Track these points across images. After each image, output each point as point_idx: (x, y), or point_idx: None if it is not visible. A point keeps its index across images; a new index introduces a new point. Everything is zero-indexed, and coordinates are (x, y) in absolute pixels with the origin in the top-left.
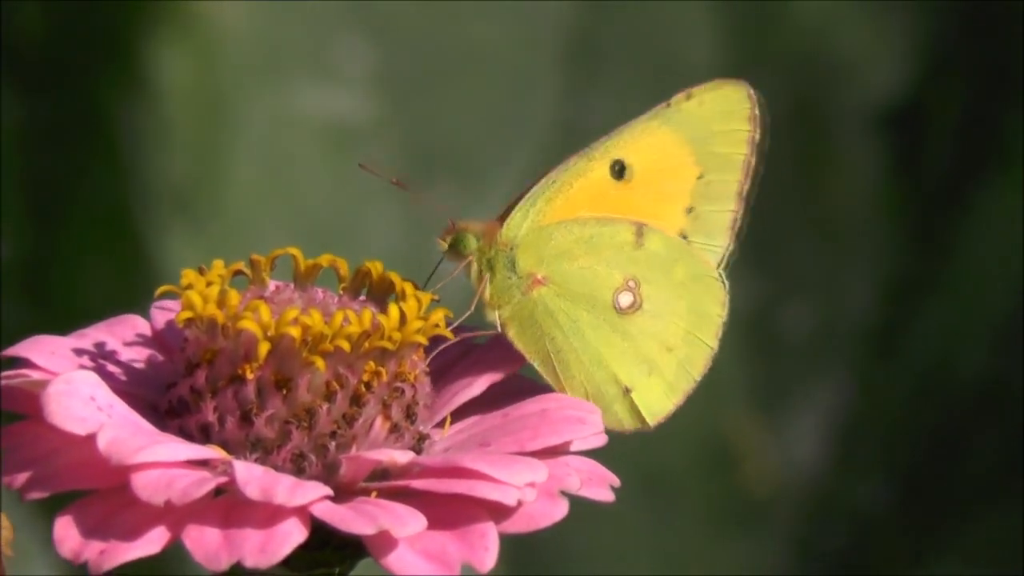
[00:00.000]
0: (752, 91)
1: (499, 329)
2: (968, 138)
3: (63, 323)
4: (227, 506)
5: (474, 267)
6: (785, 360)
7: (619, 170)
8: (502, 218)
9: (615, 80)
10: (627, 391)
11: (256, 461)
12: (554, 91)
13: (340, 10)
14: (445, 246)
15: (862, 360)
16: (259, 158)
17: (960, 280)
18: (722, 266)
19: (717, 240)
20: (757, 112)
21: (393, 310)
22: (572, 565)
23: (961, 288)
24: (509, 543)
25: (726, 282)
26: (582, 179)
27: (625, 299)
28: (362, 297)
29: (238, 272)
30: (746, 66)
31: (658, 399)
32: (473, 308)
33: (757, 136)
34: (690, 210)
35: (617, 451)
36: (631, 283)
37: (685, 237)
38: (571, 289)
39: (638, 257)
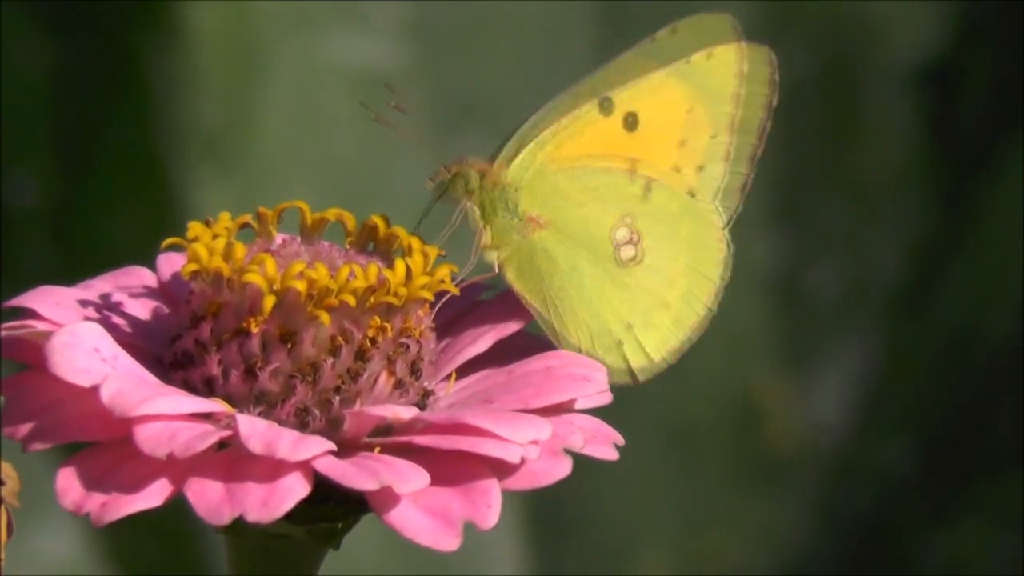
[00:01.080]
0: (772, 55)
1: (496, 270)
2: (999, 101)
3: (91, 268)
4: (230, 460)
5: (475, 207)
6: (812, 320)
7: (632, 122)
8: (493, 160)
9: (646, 36)
10: (619, 343)
11: (260, 415)
12: (585, 45)
13: None
14: (447, 176)
15: (889, 321)
16: (289, 106)
17: (988, 243)
18: (728, 226)
19: (727, 200)
20: (776, 77)
21: (399, 265)
22: (595, 521)
23: (989, 251)
24: (531, 499)
25: (731, 244)
26: (593, 127)
27: (627, 251)
28: (369, 251)
29: (245, 225)
30: (777, 26)
31: (663, 334)
32: (476, 249)
33: (774, 100)
34: (701, 168)
35: (642, 409)
36: (635, 236)
37: (693, 195)
38: (573, 236)
39: (644, 210)
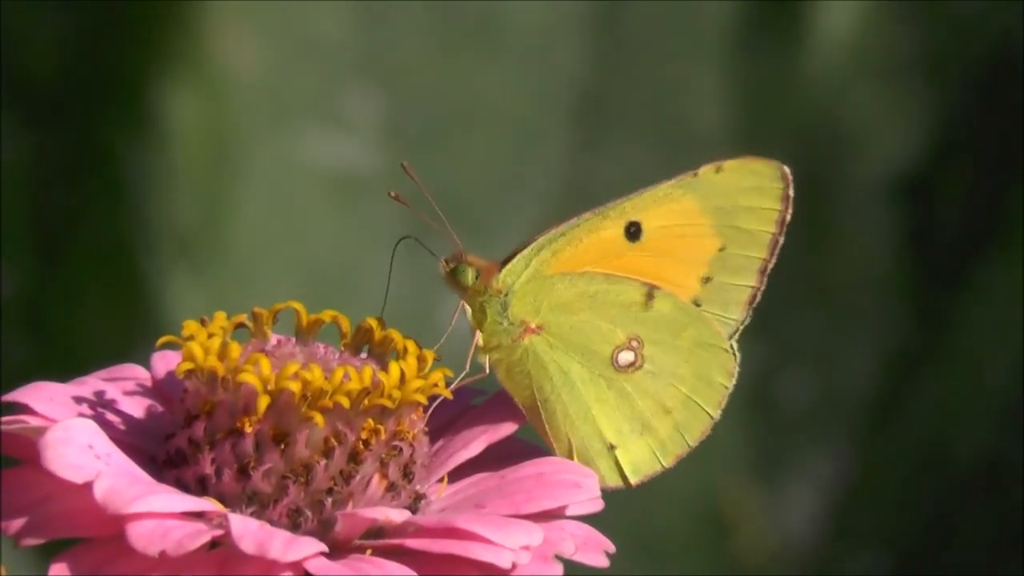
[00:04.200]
0: (786, 170)
1: (487, 371)
2: (974, 214)
3: (63, 361)
4: (222, 559)
5: (467, 307)
6: (784, 429)
7: (634, 232)
8: (504, 263)
9: (623, 141)
10: (611, 448)
11: (252, 515)
12: (562, 149)
13: (350, 60)
14: (446, 270)
15: (861, 432)
16: (264, 204)
17: (961, 355)
18: (734, 338)
19: (732, 313)
20: (791, 192)
21: (393, 368)
22: None
23: (962, 364)
24: None
25: (737, 354)
26: (593, 236)
27: (625, 357)
28: (363, 354)
29: (240, 324)
30: (755, 132)
31: (646, 459)
32: (472, 351)
33: (788, 216)
34: (707, 280)
35: (612, 516)
36: (634, 342)
37: (698, 305)
38: (567, 341)
39: (645, 318)
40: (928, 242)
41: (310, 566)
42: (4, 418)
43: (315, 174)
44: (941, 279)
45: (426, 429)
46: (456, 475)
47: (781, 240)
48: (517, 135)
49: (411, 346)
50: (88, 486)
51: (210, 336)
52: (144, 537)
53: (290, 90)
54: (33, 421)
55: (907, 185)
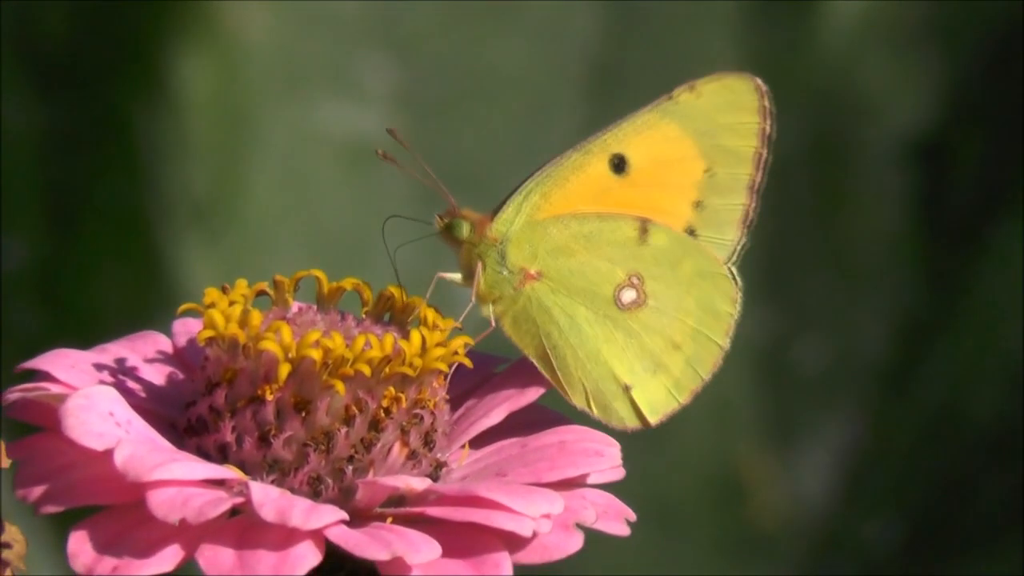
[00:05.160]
0: (760, 82)
1: (492, 324)
2: (987, 178)
3: (76, 329)
4: (242, 527)
5: (463, 260)
6: (797, 394)
7: (619, 164)
8: (495, 212)
9: (636, 108)
10: (627, 388)
11: (273, 483)
12: (576, 116)
13: (364, 27)
14: (441, 225)
15: (874, 397)
16: (278, 172)
17: (974, 320)
18: (733, 260)
19: (727, 234)
20: (767, 103)
21: (415, 336)
22: None
23: (975, 328)
24: (520, 571)
25: (738, 278)
26: (580, 174)
27: (628, 295)
28: (385, 322)
29: (261, 292)
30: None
31: (662, 397)
32: (471, 302)
33: (768, 128)
34: (698, 204)
35: (627, 482)
36: (634, 279)
37: (692, 231)
38: (568, 284)
39: (642, 253)
40: (941, 207)
41: (331, 534)
42: (25, 385)
43: (329, 142)
44: (954, 244)
45: (447, 397)
46: (478, 443)
47: (766, 155)
48: (531, 104)
49: (431, 314)
50: (108, 453)
51: (231, 304)
52: (164, 505)
53: (304, 58)
54: (54, 388)
55: (920, 151)
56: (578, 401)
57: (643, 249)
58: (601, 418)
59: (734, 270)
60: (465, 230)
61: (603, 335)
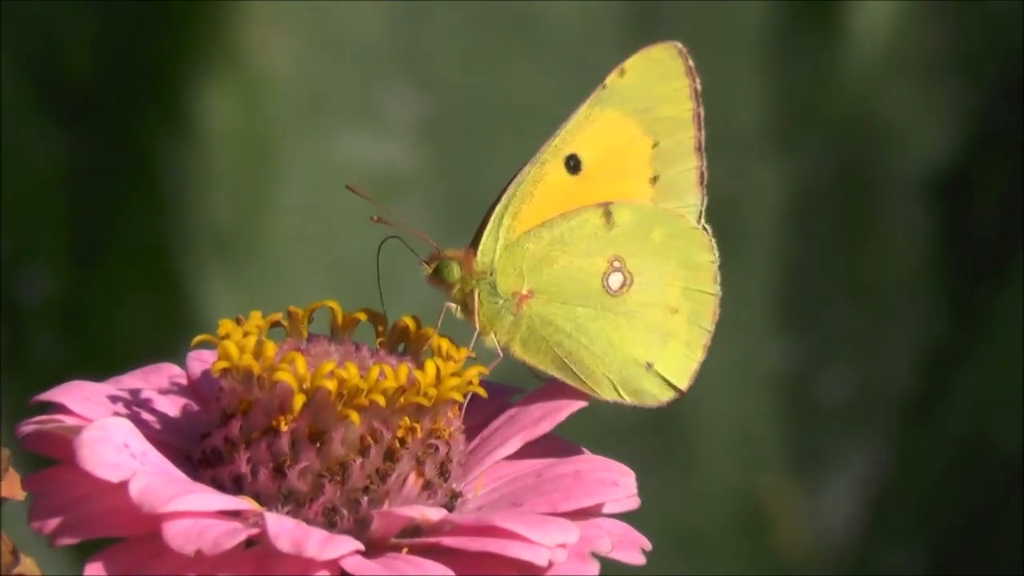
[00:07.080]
0: (680, 45)
1: (500, 354)
2: (1011, 209)
3: (100, 361)
4: (258, 558)
5: (457, 298)
6: (821, 424)
7: (573, 165)
8: (474, 243)
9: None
10: (649, 366)
11: (288, 514)
12: None
13: (387, 58)
14: (429, 271)
15: (898, 428)
16: (301, 204)
17: (998, 351)
18: (700, 221)
19: (688, 200)
20: (690, 62)
21: (429, 366)
22: None
23: (999, 359)
24: None
25: (708, 228)
26: (541, 185)
27: (615, 280)
28: (399, 352)
29: (275, 323)
30: (793, 130)
31: (681, 362)
32: (475, 340)
33: (698, 86)
34: (654, 179)
35: (651, 512)
36: (616, 263)
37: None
38: (560, 292)
39: (614, 236)
40: (965, 238)
41: (346, 565)
42: (40, 417)
43: (352, 173)
44: (978, 275)
45: (462, 427)
46: (493, 472)
47: (701, 111)
48: None
49: (446, 344)
50: (124, 485)
51: (245, 335)
52: (180, 536)
53: (327, 89)
54: (69, 420)
55: (944, 182)
56: (608, 395)
57: (614, 232)
58: (635, 403)
59: (704, 225)
60: (455, 272)
61: (608, 326)
